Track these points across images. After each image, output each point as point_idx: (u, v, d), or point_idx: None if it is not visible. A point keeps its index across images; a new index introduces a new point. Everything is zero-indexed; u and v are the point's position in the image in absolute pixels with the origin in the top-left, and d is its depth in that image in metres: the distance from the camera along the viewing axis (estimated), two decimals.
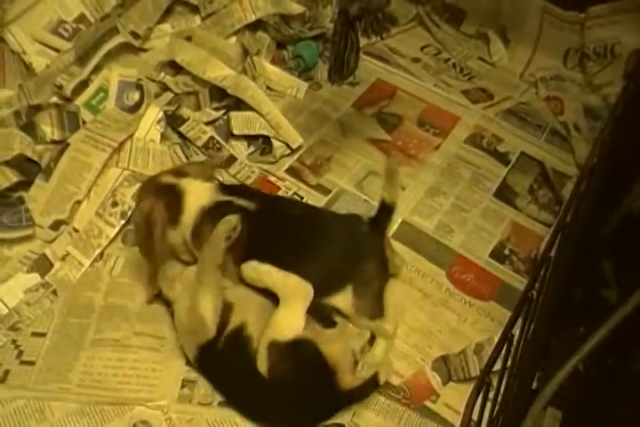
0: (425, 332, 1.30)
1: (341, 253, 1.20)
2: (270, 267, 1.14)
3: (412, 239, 1.44)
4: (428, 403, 1.22)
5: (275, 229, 1.20)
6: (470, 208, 1.51)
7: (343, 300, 1.19)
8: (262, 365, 1.10)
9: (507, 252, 1.43)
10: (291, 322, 1.12)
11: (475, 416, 0.79)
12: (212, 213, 1.17)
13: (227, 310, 1.15)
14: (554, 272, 1.02)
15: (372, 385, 1.16)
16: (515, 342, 0.86)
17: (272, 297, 1.15)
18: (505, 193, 1.54)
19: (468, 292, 1.36)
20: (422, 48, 1.89)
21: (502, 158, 1.61)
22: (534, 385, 1.22)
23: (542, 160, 1.60)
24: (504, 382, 0.90)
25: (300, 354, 1.10)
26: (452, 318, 1.32)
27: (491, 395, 0.84)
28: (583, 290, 1.35)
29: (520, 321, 0.88)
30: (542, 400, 1.17)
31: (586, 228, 1.24)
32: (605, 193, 1.30)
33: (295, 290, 1.13)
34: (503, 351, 0.81)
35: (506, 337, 0.80)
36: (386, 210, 1.21)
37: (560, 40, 1.77)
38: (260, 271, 1.15)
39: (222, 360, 1.15)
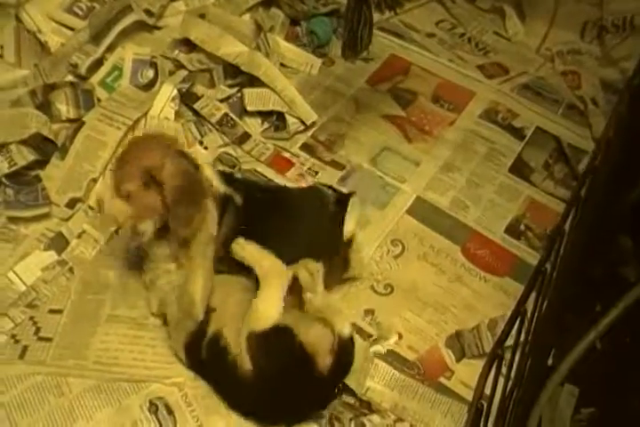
0: (439, 307, 1.30)
1: (316, 225, 1.25)
2: (252, 246, 1.16)
3: (427, 215, 1.43)
4: (442, 380, 1.22)
5: (256, 218, 1.21)
6: (485, 184, 1.50)
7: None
8: (244, 358, 1.08)
9: (522, 228, 1.43)
10: (268, 309, 1.10)
11: (488, 391, 0.79)
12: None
13: (209, 312, 1.15)
14: (570, 248, 1.01)
15: (348, 363, 1.16)
16: (528, 317, 0.86)
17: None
18: (520, 168, 1.53)
19: (482, 267, 1.36)
20: (437, 23, 1.87)
21: (517, 133, 1.59)
22: (550, 362, 1.22)
23: (558, 135, 1.59)
24: (517, 358, 0.90)
25: (279, 343, 1.09)
26: (467, 294, 1.32)
27: (504, 370, 0.83)
28: (601, 267, 1.34)
29: (533, 296, 0.87)
30: (558, 376, 1.18)
31: (603, 203, 1.23)
32: (623, 168, 1.28)
33: (270, 271, 1.13)
34: (516, 326, 0.81)
35: (518, 311, 0.79)
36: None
37: (577, 13, 1.75)
38: (244, 249, 1.16)
39: (207, 367, 1.15)
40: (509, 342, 0.81)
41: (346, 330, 1.13)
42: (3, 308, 1.26)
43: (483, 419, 0.73)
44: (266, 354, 1.08)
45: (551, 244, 0.88)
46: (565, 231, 0.91)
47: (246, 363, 1.08)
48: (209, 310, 1.14)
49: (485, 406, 0.74)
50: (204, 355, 1.13)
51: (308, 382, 1.11)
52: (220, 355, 1.11)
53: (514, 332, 0.81)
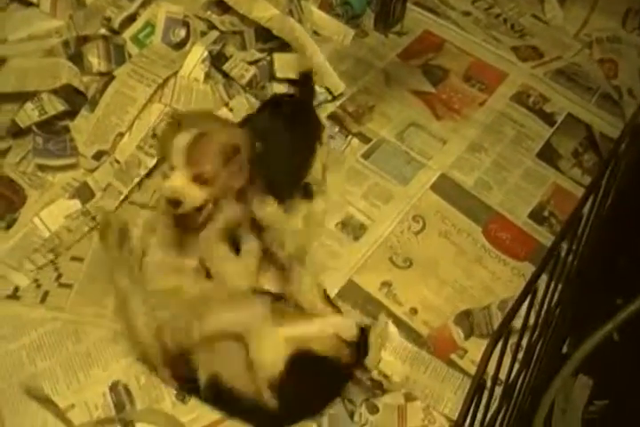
0: (457, 287, 1.30)
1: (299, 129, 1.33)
2: None
3: (450, 193, 1.43)
4: (454, 357, 1.22)
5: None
6: (511, 167, 1.49)
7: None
8: (268, 400, 1.06)
9: (546, 213, 1.42)
10: (271, 356, 1.07)
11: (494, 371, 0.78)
12: None
13: (187, 362, 1.10)
14: (593, 235, 1.00)
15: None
16: (539, 299, 0.84)
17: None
18: (548, 154, 1.51)
19: (503, 250, 1.35)
20: (474, 2, 1.85)
21: (548, 119, 1.58)
22: (565, 350, 1.22)
23: (590, 123, 1.57)
24: (526, 339, 0.88)
25: (301, 368, 1.07)
26: (486, 276, 1.32)
27: (512, 351, 0.82)
28: (627, 259, 1.32)
29: (546, 279, 0.85)
30: (571, 365, 1.17)
31: (633, 193, 1.21)
32: None
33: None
34: (525, 306, 0.78)
35: (528, 290, 0.77)
36: (304, 78, 1.45)
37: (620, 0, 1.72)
38: None
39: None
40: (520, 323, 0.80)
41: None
42: (27, 252, 1.28)
43: (485, 397, 0.71)
44: (292, 384, 1.06)
45: (566, 227, 0.86)
46: (582, 218, 0.89)
47: (271, 402, 1.06)
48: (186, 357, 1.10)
49: (489, 384, 0.72)
50: (204, 398, 1.11)
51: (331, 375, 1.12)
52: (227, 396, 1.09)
53: (524, 313, 0.79)
